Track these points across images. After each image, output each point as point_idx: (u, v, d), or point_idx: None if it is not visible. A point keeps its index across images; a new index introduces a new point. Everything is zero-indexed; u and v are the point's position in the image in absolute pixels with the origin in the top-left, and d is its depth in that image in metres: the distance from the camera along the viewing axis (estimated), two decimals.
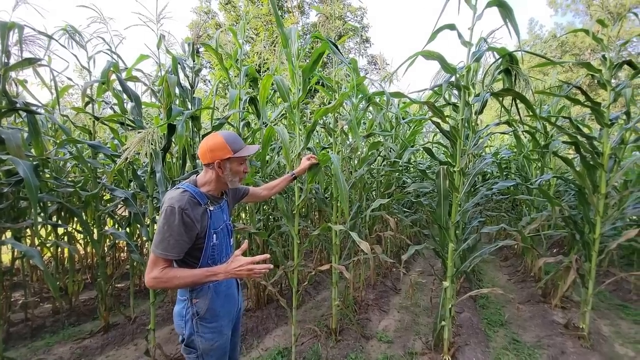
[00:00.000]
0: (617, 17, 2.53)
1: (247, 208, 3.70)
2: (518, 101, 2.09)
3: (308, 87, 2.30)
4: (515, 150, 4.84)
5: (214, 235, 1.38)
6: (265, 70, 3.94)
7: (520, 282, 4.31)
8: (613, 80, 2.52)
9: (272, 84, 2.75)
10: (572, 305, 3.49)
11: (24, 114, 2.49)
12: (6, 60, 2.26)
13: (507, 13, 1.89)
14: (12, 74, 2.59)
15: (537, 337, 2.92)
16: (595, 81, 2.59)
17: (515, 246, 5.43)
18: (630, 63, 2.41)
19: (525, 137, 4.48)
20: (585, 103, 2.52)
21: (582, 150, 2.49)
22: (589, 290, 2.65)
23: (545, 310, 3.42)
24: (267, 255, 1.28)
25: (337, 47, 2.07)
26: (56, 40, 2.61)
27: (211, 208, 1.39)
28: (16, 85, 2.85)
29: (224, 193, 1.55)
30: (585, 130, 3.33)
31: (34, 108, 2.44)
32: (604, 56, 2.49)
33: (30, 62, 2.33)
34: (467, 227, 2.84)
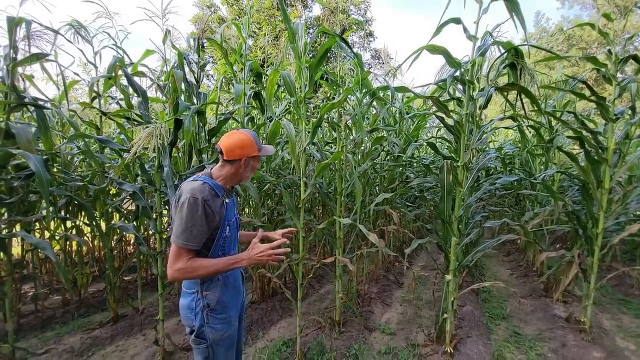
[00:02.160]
0: (624, 11, 2.51)
1: (250, 203, 3.73)
2: (523, 96, 2.09)
3: (314, 82, 2.31)
4: (519, 145, 4.83)
5: (227, 227, 1.42)
6: (269, 65, 3.94)
7: (523, 277, 4.34)
8: (619, 75, 2.51)
9: (278, 79, 2.77)
10: (573, 299, 3.51)
11: (31, 109, 2.52)
12: (14, 56, 2.28)
13: (513, 6, 1.89)
14: (20, 69, 2.62)
15: (538, 330, 2.95)
16: (601, 76, 2.58)
17: (518, 241, 5.44)
18: (635, 57, 2.39)
19: (530, 132, 4.47)
20: (591, 98, 2.51)
21: (586, 145, 2.49)
22: (591, 284, 2.67)
23: (547, 304, 3.45)
24: (285, 240, 1.39)
25: (347, 42, 2.08)
26: (62, 35, 2.63)
27: (227, 200, 1.43)
28: (23, 80, 2.88)
29: (233, 188, 1.59)
30: (590, 125, 3.32)
31: (42, 103, 2.48)
32: (609, 50, 2.48)
33: (38, 57, 2.35)
34: (470, 222, 2.86)
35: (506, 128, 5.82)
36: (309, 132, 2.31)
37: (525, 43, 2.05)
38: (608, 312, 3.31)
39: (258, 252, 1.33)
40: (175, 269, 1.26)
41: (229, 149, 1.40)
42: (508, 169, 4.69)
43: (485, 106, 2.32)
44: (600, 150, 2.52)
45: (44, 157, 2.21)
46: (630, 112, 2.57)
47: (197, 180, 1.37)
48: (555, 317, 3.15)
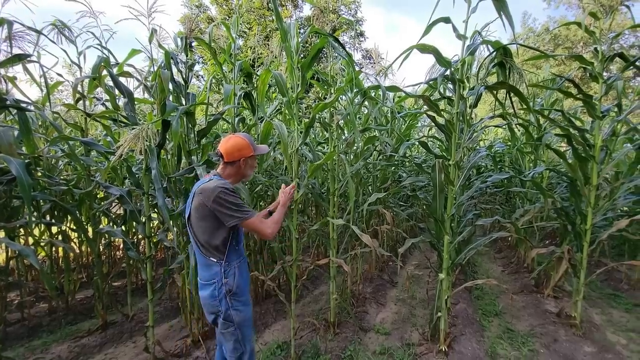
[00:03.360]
0: (609, 10, 2.56)
1: None
2: (512, 94, 2.11)
3: (306, 82, 2.29)
4: (509, 143, 4.89)
5: None
6: (260, 65, 3.90)
7: (514, 273, 4.39)
8: (605, 73, 2.55)
9: (270, 79, 2.73)
10: (564, 294, 3.57)
11: (14, 112, 2.44)
12: None
13: (501, 6, 1.90)
14: (1, 70, 2.53)
15: (530, 326, 2.99)
16: (588, 74, 2.62)
17: (509, 238, 5.51)
18: (621, 55, 2.43)
19: (519, 130, 4.53)
20: (578, 96, 2.55)
21: (574, 142, 2.53)
22: (581, 279, 2.71)
23: (538, 300, 3.49)
24: (294, 184, 1.97)
25: (339, 41, 2.07)
26: (45, 36, 2.55)
27: None
28: (5, 82, 2.78)
29: None
30: (577, 122, 3.37)
31: (24, 105, 2.40)
32: (595, 49, 2.52)
33: (20, 58, 2.28)
34: (462, 220, 2.88)
35: (496, 126, 5.88)
36: (301, 132, 2.29)
37: (514, 42, 2.06)
38: (598, 307, 3.37)
39: (287, 193, 1.89)
40: (268, 227, 1.65)
41: (228, 152, 1.63)
42: (498, 166, 4.75)
43: (475, 105, 2.34)
44: (587, 148, 2.55)
45: (26, 160, 2.14)
46: (616, 109, 2.61)
47: (212, 179, 1.59)
48: (546, 313, 3.19)
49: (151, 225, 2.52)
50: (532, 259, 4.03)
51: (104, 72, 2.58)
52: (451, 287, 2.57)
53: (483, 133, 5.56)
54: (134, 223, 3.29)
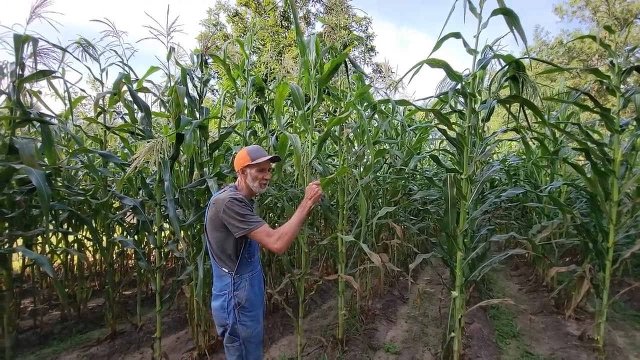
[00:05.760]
0: (624, 23, 2.52)
1: None
2: (526, 107, 2.08)
3: (322, 96, 2.34)
4: (523, 157, 4.78)
5: None
6: (272, 80, 3.99)
7: (532, 292, 4.21)
8: (622, 86, 2.49)
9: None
10: (586, 316, 3.38)
11: (37, 124, 2.56)
12: (20, 72, 2.33)
13: (513, 21, 1.90)
14: (27, 85, 2.67)
15: (551, 349, 2.83)
16: (604, 87, 2.57)
17: (526, 254, 5.31)
18: (638, 69, 2.38)
19: (534, 144, 4.43)
20: (595, 109, 2.49)
21: (592, 156, 2.45)
22: (604, 300, 2.57)
23: (558, 321, 3.32)
24: (317, 180, 1.81)
25: (354, 63, 2.12)
26: (70, 53, 2.69)
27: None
28: (30, 96, 2.93)
29: (252, 201, 1.85)
30: (595, 136, 3.28)
31: (47, 118, 2.51)
32: (612, 62, 2.47)
33: (45, 74, 2.40)
34: (476, 235, 2.80)
35: (510, 140, 5.78)
36: (314, 144, 2.31)
37: (526, 56, 2.05)
38: (621, 329, 3.18)
39: (311, 194, 1.70)
40: (274, 241, 1.52)
41: (234, 163, 1.72)
42: (513, 180, 4.63)
43: (487, 118, 2.31)
44: (607, 162, 2.47)
45: (47, 171, 2.22)
46: (635, 123, 2.54)
47: (225, 190, 1.65)
48: (568, 335, 3.03)
49: (162, 235, 2.55)
50: (551, 277, 3.86)
51: (124, 88, 2.69)
52: (465, 305, 2.48)
53: (496, 146, 5.47)
54: (146, 233, 3.35)
